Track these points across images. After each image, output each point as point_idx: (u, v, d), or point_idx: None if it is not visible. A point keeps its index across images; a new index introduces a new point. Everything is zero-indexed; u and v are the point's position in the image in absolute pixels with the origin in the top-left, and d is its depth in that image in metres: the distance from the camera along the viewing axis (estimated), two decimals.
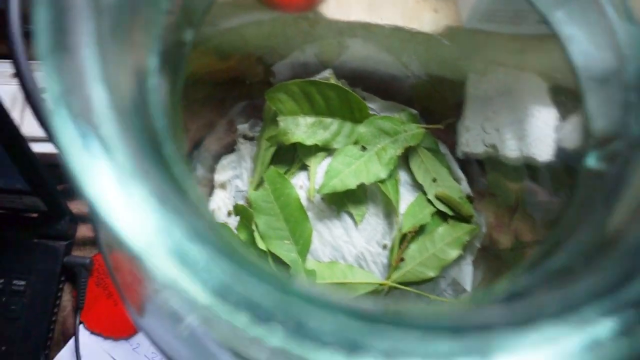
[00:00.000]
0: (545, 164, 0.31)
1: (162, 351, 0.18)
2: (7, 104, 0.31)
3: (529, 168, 0.33)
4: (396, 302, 0.35)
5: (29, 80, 0.24)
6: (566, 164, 0.27)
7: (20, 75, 0.23)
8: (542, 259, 0.13)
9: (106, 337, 0.36)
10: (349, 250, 0.35)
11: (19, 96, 0.39)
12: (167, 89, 0.13)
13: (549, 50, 0.24)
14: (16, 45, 0.23)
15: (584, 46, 0.15)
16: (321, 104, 0.36)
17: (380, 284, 0.34)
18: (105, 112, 0.10)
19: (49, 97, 0.09)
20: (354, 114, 0.36)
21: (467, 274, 0.36)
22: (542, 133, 0.31)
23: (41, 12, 0.09)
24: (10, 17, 0.23)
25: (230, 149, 0.40)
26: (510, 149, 0.34)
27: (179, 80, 0.14)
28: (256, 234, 0.34)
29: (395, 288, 0.34)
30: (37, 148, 0.34)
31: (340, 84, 0.37)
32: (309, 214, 0.35)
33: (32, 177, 0.34)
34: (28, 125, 0.36)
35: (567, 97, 0.26)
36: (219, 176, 0.39)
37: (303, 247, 0.34)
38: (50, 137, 0.25)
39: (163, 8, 0.12)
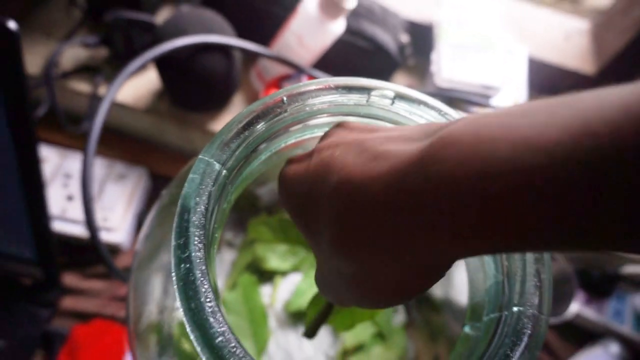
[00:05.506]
0: (464, 306, 0.40)
1: None
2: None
3: (450, 306, 0.41)
4: None
5: (88, 177, 0.31)
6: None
7: (85, 170, 0.31)
8: None
9: None
10: (299, 356, 0.41)
11: (49, 178, 0.46)
12: (217, 238, 0.21)
13: None
14: (88, 154, 0.31)
15: None
16: (292, 236, 0.45)
17: None
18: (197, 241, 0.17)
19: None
20: None
21: None
22: (462, 283, 0.40)
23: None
24: (91, 137, 0.31)
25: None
26: (438, 290, 0.43)
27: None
28: None
29: None
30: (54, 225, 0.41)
31: None
32: (271, 319, 0.42)
33: (44, 250, 0.40)
34: (52, 205, 0.43)
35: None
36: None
37: (260, 348, 0.40)
38: (89, 222, 0.32)
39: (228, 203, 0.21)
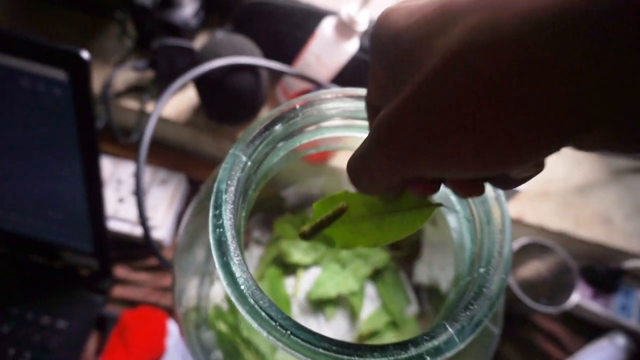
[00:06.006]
0: None
1: None
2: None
3: None
4: None
5: (141, 181, 0.38)
6: None
7: (138, 174, 0.37)
8: None
9: None
10: None
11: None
12: (244, 217, 0.26)
13: None
14: (140, 162, 0.38)
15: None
16: None
17: None
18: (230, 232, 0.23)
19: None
20: None
21: None
22: None
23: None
24: (141, 148, 0.37)
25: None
26: (446, 284, 0.47)
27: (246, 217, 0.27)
28: (241, 322, 0.46)
29: None
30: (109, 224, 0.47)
31: None
32: (294, 307, 0.47)
33: (100, 245, 0.46)
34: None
35: None
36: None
37: None
38: (142, 221, 0.38)
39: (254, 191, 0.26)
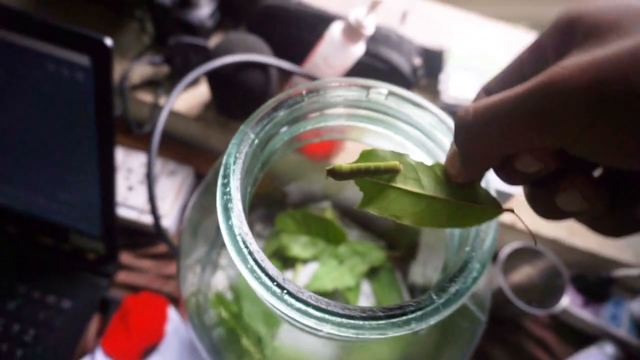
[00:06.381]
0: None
1: None
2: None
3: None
4: None
5: (152, 172, 0.40)
6: None
7: (149, 168, 0.39)
8: None
9: None
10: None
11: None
12: (248, 195, 0.28)
13: None
14: (152, 153, 0.40)
15: None
16: (314, 229, 0.51)
17: None
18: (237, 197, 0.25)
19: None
20: (335, 238, 0.51)
21: None
22: None
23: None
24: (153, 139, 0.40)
25: None
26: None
27: (250, 195, 0.29)
28: (243, 311, 0.47)
29: None
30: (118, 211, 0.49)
31: (333, 214, 0.52)
32: None
33: (109, 229, 0.48)
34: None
35: None
36: (223, 260, 0.53)
37: (274, 326, 0.47)
38: (153, 213, 0.40)
39: (258, 171, 0.28)
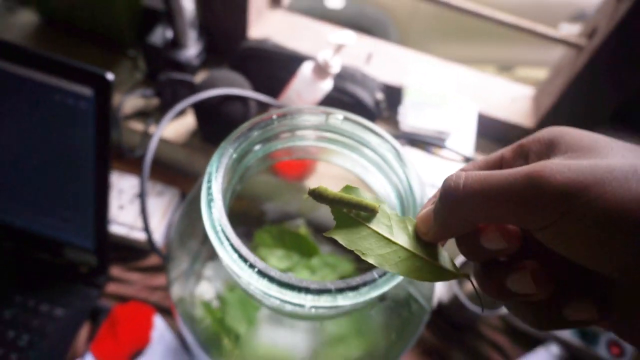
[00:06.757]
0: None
1: None
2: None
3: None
4: None
5: (145, 194, 0.45)
6: None
7: (142, 188, 0.45)
8: None
9: None
10: (284, 336, 0.52)
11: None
12: (228, 199, 0.34)
13: None
14: (144, 174, 0.46)
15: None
16: (289, 243, 0.57)
17: None
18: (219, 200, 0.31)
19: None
20: (308, 252, 0.57)
21: None
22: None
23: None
24: (145, 162, 0.46)
25: None
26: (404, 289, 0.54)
27: (230, 202, 0.35)
28: (226, 315, 0.52)
29: None
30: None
31: (306, 230, 0.58)
32: (264, 308, 0.53)
33: (101, 243, 0.53)
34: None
35: None
36: (207, 272, 0.58)
37: (252, 324, 0.52)
38: (145, 227, 0.46)
39: (236, 182, 0.34)
